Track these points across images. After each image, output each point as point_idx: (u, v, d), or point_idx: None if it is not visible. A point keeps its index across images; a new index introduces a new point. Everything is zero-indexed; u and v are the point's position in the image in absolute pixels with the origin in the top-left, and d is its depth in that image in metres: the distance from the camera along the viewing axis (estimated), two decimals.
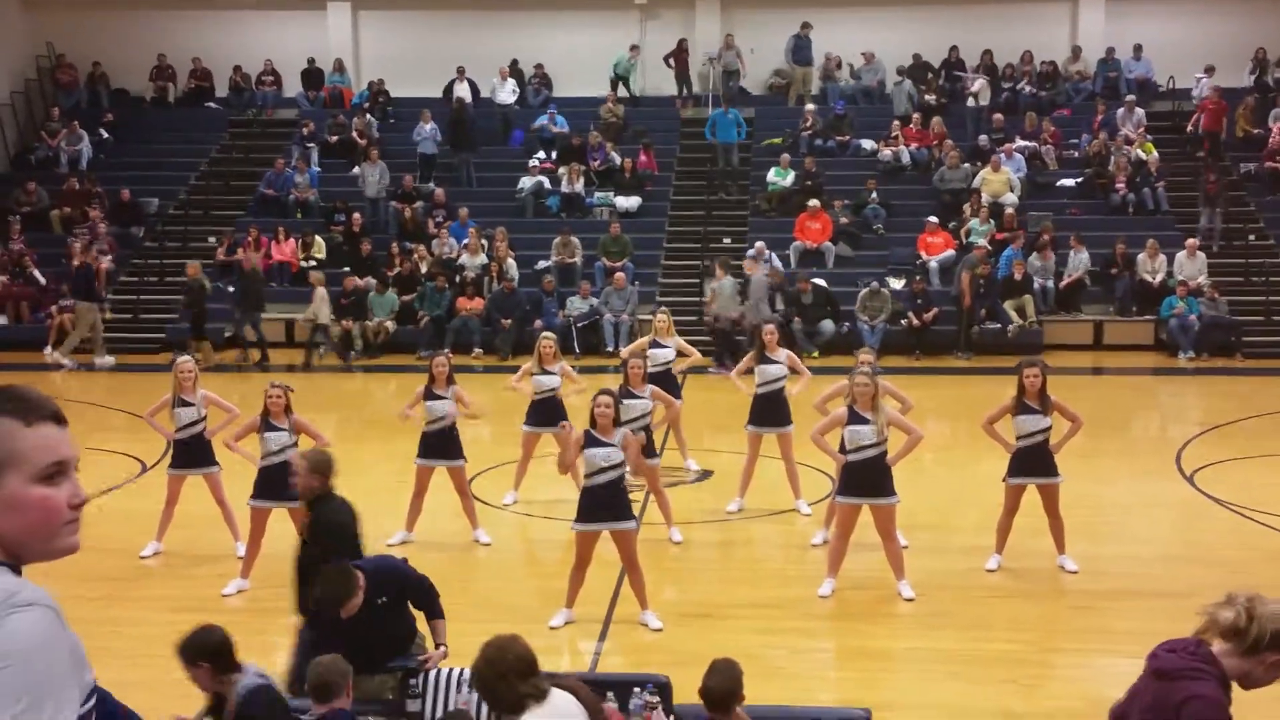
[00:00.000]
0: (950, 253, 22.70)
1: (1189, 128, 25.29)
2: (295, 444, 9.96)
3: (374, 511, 12.93)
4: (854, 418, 9.69)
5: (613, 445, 9.00)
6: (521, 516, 12.51)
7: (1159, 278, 22.10)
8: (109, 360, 21.79)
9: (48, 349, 22.08)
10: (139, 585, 10.46)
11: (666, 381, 12.86)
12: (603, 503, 9.10)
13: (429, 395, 11.20)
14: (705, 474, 13.81)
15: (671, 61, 27.05)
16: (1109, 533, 11.97)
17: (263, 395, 10.19)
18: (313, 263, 23.39)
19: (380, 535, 11.76)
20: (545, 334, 12.87)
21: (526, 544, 11.95)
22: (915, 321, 21.42)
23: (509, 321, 21.69)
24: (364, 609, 6.46)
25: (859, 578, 10.19)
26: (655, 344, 13.15)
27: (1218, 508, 12.45)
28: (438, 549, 11.17)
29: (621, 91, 27.27)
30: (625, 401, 10.53)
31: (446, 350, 16.26)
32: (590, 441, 9.06)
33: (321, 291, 21.86)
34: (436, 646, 6.80)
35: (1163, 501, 12.97)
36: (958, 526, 11.96)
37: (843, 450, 9.89)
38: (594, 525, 9.14)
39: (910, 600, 9.77)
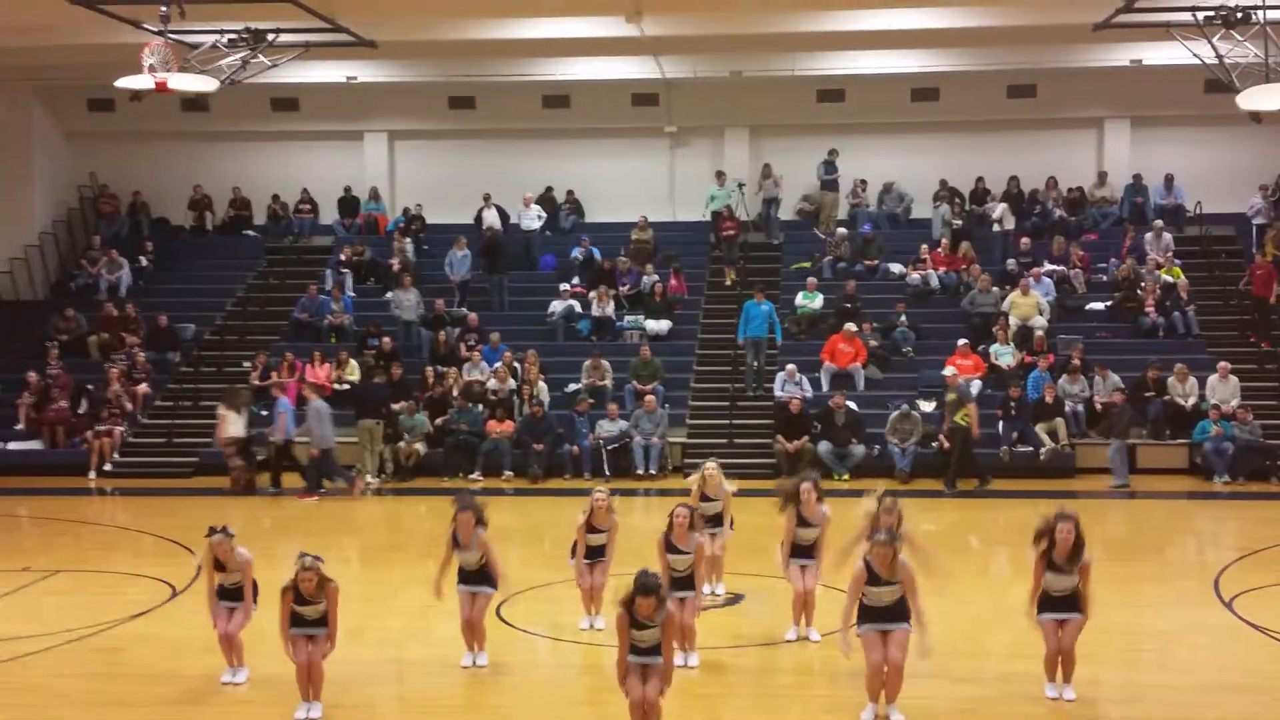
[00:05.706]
0: (976, 379, 22.61)
1: (1241, 285, 24.79)
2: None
3: (409, 634, 12.93)
4: (873, 579, 9.40)
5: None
6: (549, 640, 12.42)
7: (1191, 401, 22.01)
8: (372, 483, 21.32)
9: (90, 474, 22.30)
10: (179, 713, 10.28)
11: (717, 527, 12.79)
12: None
13: (456, 544, 10.96)
14: (736, 598, 13.69)
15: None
16: (1147, 660, 11.78)
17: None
18: (346, 386, 23.52)
19: (438, 661, 11.73)
20: (598, 489, 12.19)
21: (556, 669, 11.84)
22: (946, 444, 21.34)
23: (541, 445, 21.75)
24: None
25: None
26: (704, 497, 12.75)
27: (1258, 634, 12.23)
28: (467, 672, 11.11)
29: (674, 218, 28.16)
30: (670, 555, 10.72)
31: (474, 490, 16.16)
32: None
33: None
34: None
35: (1202, 628, 12.74)
36: (991, 652, 11.79)
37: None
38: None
39: None
